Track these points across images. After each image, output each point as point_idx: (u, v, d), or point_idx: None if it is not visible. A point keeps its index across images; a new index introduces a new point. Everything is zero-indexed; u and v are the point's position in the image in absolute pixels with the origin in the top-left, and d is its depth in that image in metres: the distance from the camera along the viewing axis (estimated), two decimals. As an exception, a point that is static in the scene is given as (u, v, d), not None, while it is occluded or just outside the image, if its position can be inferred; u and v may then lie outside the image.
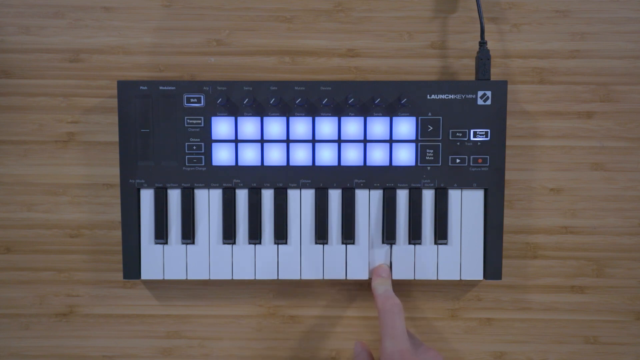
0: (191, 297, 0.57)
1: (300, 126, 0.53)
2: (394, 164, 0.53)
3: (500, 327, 0.57)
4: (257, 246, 0.54)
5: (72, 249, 0.57)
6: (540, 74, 0.56)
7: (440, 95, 0.52)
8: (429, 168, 0.53)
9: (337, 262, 0.54)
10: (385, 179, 0.53)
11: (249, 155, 0.53)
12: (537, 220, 0.57)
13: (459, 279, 0.54)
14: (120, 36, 0.55)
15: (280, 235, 0.53)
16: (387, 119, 0.53)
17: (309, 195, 0.54)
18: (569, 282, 0.57)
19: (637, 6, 0.55)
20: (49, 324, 0.57)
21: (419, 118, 0.53)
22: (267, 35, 0.56)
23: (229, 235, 0.53)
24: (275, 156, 0.53)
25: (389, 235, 0.53)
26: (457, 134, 0.53)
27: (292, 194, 0.54)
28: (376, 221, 0.54)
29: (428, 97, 0.52)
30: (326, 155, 0.53)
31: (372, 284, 0.52)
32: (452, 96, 0.52)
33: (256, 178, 0.53)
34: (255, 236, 0.53)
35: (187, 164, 0.53)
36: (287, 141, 0.53)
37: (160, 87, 0.52)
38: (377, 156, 0.53)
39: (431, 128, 0.53)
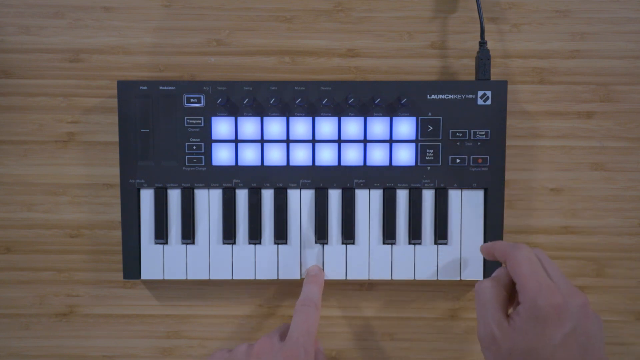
0: (191, 297, 0.57)
1: (300, 126, 0.53)
2: (394, 164, 0.53)
3: (500, 327, 0.57)
4: (257, 246, 0.54)
5: (72, 249, 0.57)
6: (540, 74, 0.56)
7: (440, 95, 0.52)
8: (429, 168, 0.53)
9: (337, 262, 0.54)
10: (385, 179, 0.53)
11: (249, 155, 0.53)
12: (537, 220, 0.56)
13: (459, 279, 0.54)
14: (120, 36, 0.55)
15: (280, 235, 0.53)
16: (387, 119, 0.53)
17: (309, 195, 0.54)
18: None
19: (637, 6, 0.55)
20: (49, 324, 0.57)
21: (419, 118, 0.53)
22: (267, 35, 0.56)
23: (229, 235, 0.53)
24: (275, 156, 0.53)
25: (389, 235, 0.53)
26: (457, 134, 0.53)
27: (292, 194, 0.54)
28: (376, 221, 0.54)
29: (428, 97, 0.52)
30: (326, 155, 0.53)
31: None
32: (452, 96, 0.52)
33: (256, 178, 0.53)
34: (255, 236, 0.53)
35: (187, 164, 0.53)
36: (287, 141, 0.53)
37: (160, 87, 0.52)
38: (377, 156, 0.53)
39: (431, 128, 0.53)
